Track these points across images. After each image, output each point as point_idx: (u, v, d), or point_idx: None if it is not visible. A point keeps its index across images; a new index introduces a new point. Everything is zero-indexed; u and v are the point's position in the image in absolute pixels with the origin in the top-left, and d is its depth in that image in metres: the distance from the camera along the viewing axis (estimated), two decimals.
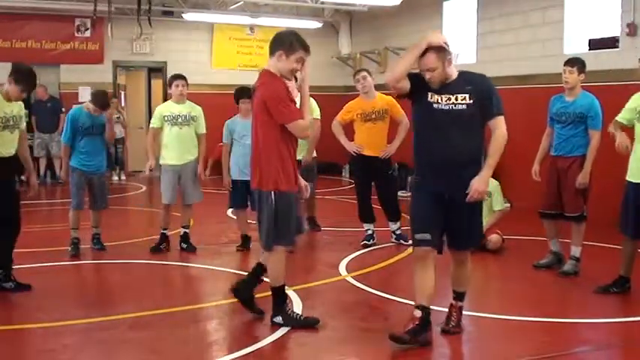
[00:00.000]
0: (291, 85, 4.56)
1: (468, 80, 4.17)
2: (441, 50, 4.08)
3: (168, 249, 7.01)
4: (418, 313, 4.14)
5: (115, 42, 13.58)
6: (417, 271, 4.21)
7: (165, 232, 7.05)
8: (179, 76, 7.07)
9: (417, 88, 4.16)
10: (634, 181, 5.16)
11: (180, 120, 6.90)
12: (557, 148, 6.02)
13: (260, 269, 4.77)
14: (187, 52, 14.53)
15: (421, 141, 4.24)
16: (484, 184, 4.09)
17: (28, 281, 5.49)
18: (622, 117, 5.31)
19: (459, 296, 4.46)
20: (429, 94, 4.15)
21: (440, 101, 4.12)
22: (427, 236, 4.12)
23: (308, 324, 4.56)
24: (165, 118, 6.90)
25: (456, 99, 4.10)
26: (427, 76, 4.11)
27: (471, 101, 4.09)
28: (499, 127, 4.13)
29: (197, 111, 7.06)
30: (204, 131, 7.08)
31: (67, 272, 6.35)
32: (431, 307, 4.20)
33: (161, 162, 6.98)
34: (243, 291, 4.80)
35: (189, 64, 14.36)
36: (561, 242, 6.19)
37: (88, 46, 13.90)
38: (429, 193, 4.18)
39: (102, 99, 6.76)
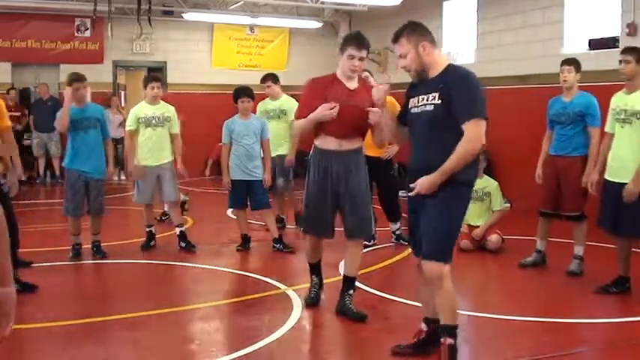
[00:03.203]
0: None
1: (445, 77, 3.59)
2: (413, 32, 3.64)
3: (155, 246, 7.08)
4: (424, 327, 4.00)
5: (114, 42, 13.57)
6: (418, 282, 4.01)
7: (151, 229, 7.10)
8: (155, 78, 7.20)
9: (405, 109, 3.83)
10: (611, 179, 5.23)
11: (154, 121, 6.93)
12: (556, 148, 6.04)
13: (345, 280, 4.88)
14: (187, 52, 14.53)
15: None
16: (427, 186, 3.53)
17: (28, 281, 5.49)
18: (608, 127, 5.39)
19: (443, 330, 3.68)
20: (410, 101, 3.77)
21: (416, 104, 3.68)
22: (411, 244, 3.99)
23: (306, 303, 4.96)
24: (140, 120, 6.91)
25: (427, 99, 3.60)
26: (401, 63, 3.69)
27: (439, 101, 3.54)
28: (466, 132, 3.46)
29: (170, 111, 7.10)
30: (177, 131, 7.11)
31: (66, 272, 6.34)
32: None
33: (136, 164, 6.96)
34: (339, 306, 4.83)
35: (189, 64, 14.39)
36: (556, 242, 6.20)
37: (87, 46, 13.90)
38: (410, 201, 3.81)
39: (70, 75, 6.47)
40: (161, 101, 7.09)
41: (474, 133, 3.48)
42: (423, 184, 3.56)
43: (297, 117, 4.74)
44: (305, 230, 4.88)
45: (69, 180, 6.50)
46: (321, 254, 5.02)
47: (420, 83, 3.72)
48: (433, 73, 3.64)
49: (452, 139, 3.49)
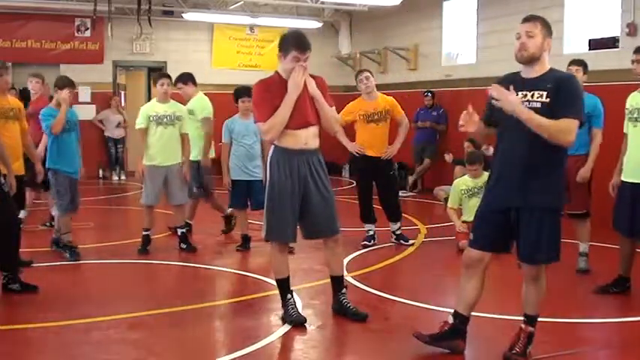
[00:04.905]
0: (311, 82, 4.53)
1: (552, 78, 3.73)
2: (547, 26, 3.78)
3: (149, 251, 6.95)
4: (450, 320, 4.04)
5: (115, 42, 13.58)
6: (462, 274, 4.04)
7: (148, 233, 7.00)
8: (164, 75, 7.09)
9: (493, 108, 3.81)
10: (629, 180, 5.20)
11: (165, 120, 6.86)
12: None
13: (333, 281, 4.84)
14: (187, 52, 14.52)
15: (497, 146, 3.93)
16: (511, 106, 3.60)
17: (28, 281, 5.50)
18: (626, 128, 5.35)
19: (528, 320, 3.97)
20: None
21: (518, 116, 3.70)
22: (472, 236, 3.99)
23: (292, 323, 4.59)
24: (151, 118, 6.84)
25: (532, 96, 3.70)
26: (521, 39, 3.73)
27: (547, 100, 3.65)
28: (563, 121, 3.60)
29: (182, 110, 7.05)
30: (187, 131, 7.07)
31: (66, 272, 6.34)
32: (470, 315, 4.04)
33: (146, 163, 6.89)
34: (335, 305, 4.84)
35: (189, 64, 14.30)
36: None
37: (88, 46, 13.91)
38: (496, 197, 3.88)
39: (62, 79, 6.62)
40: (172, 100, 7.04)
41: (568, 127, 3.62)
42: (506, 98, 3.62)
43: (262, 120, 4.47)
44: (269, 237, 4.64)
45: (57, 180, 6.49)
46: (288, 265, 4.76)
47: (513, 81, 3.80)
48: (537, 71, 3.77)
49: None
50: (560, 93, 3.65)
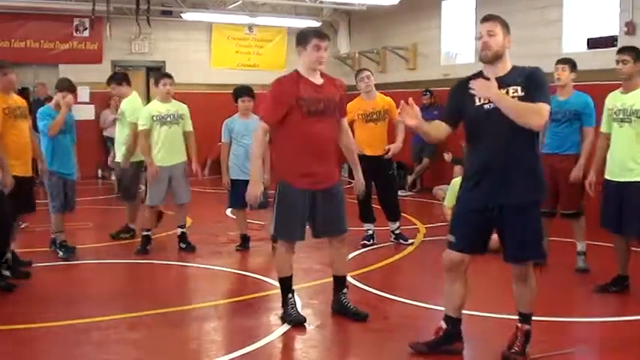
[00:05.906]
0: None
1: (521, 72, 3.80)
2: (506, 25, 3.84)
3: (149, 251, 6.94)
4: (444, 325, 4.05)
5: (113, 42, 13.57)
6: (445, 279, 4.04)
7: (148, 233, 6.97)
8: (166, 75, 7.10)
9: (460, 108, 3.90)
10: (611, 179, 5.25)
11: (169, 119, 6.86)
12: (551, 146, 6.05)
13: (336, 280, 4.85)
14: (186, 52, 14.52)
15: (472, 147, 3.97)
16: (487, 91, 3.70)
17: (28, 281, 5.50)
18: (604, 127, 5.42)
19: (523, 318, 4.01)
20: (476, 97, 3.80)
21: (490, 100, 3.75)
22: (452, 238, 3.97)
23: (292, 322, 4.60)
24: (155, 118, 6.82)
25: (507, 92, 3.73)
26: (484, 39, 3.79)
27: (523, 94, 3.72)
28: (537, 104, 3.67)
29: (184, 109, 7.04)
30: (191, 129, 7.06)
31: (66, 272, 6.35)
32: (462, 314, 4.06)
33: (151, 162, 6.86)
34: (335, 304, 4.85)
35: (188, 64, 14.39)
36: (553, 241, 6.20)
37: (86, 46, 13.89)
38: (475, 196, 3.89)
39: (63, 82, 6.66)
40: (172, 99, 7.02)
41: (540, 109, 3.67)
42: (484, 85, 3.73)
43: (264, 118, 4.55)
44: (278, 235, 4.68)
45: (51, 181, 6.55)
46: (292, 264, 4.77)
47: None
48: (503, 69, 3.82)
49: (531, 135, 3.73)
50: (531, 84, 3.73)
